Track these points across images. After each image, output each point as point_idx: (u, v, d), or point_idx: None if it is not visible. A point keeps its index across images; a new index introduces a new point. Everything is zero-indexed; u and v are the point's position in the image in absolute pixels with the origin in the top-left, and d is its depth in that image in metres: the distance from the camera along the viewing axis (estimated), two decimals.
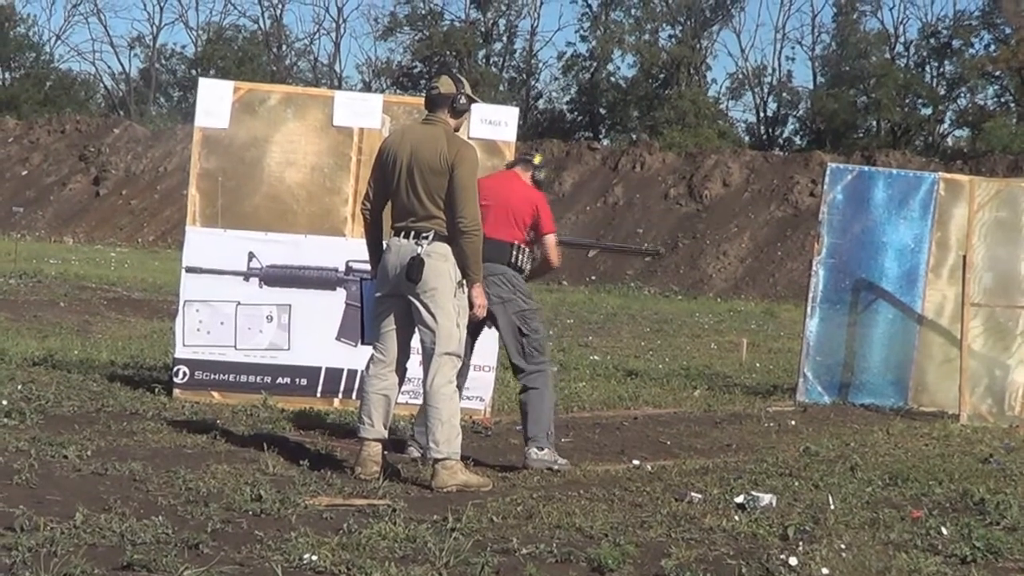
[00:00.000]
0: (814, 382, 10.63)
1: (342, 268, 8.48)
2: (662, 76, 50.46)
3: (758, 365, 13.50)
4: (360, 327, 6.63)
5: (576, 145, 38.15)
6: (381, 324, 6.27)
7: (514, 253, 6.87)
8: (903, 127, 47.30)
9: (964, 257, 10.04)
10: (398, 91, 49.04)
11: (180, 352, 8.40)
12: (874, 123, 48.56)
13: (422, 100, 6.53)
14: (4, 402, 7.22)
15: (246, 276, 8.44)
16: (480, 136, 8.39)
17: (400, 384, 6.35)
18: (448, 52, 52.50)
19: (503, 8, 55.26)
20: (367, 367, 6.34)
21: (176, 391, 8.31)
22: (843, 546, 5.05)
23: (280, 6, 75.90)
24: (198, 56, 57.96)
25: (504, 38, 56.03)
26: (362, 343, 6.63)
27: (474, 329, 6.69)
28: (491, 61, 55.38)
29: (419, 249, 6.09)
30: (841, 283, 10.81)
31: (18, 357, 9.43)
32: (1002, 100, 47.74)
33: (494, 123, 8.65)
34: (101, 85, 62.65)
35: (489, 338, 7.46)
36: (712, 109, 49.56)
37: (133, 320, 14.27)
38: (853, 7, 50.68)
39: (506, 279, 6.79)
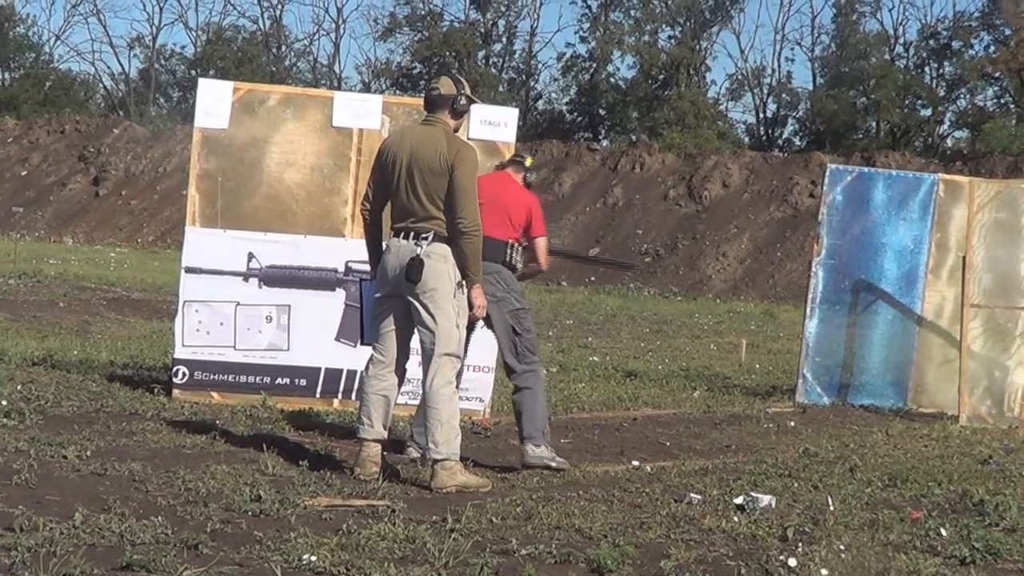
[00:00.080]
0: (813, 383, 10.62)
1: (341, 269, 8.48)
2: (662, 77, 50.47)
3: (757, 366, 13.50)
4: (359, 328, 6.63)
5: (575, 146, 38.17)
6: (381, 325, 6.27)
7: (509, 252, 6.91)
8: (903, 128, 47.31)
9: (963, 258, 10.04)
10: (397, 92, 49.01)
11: (179, 352, 8.40)
12: (874, 124, 48.57)
13: (421, 101, 6.53)
14: (3, 402, 7.22)
15: (245, 276, 8.44)
16: (479, 137, 8.39)
17: (400, 385, 6.36)
18: (447, 53, 52.51)
19: (503, 9, 55.32)
20: (366, 368, 6.34)
21: (175, 391, 8.31)
22: (842, 547, 5.05)
23: (280, 7, 75.86)
24: (198, 56, 57.97)
25: (504, 39, 56.10)
26: (361, 344, 6.64)
27: (468, 326, 6.71)
28: (490, 62, 55.39)
29: (419, 250, 6.10)
30: (840, 284, 10.81)
31: (17, 357, 9.43)
32: (1002, 101, 47.81)
33: (493, 124, 8.65)
34: (101, 85, 62.76)
35: (488, 339, 7.46)
36: (712, 110, 49.58)
37: (132, 320, 14.27)
38: (853, 8, 50.71)
39: (500, 278, 6.81)
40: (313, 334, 8.41)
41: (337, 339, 8.44)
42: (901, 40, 51.30)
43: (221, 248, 8.40)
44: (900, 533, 5.43)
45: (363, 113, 8.63)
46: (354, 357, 7.96)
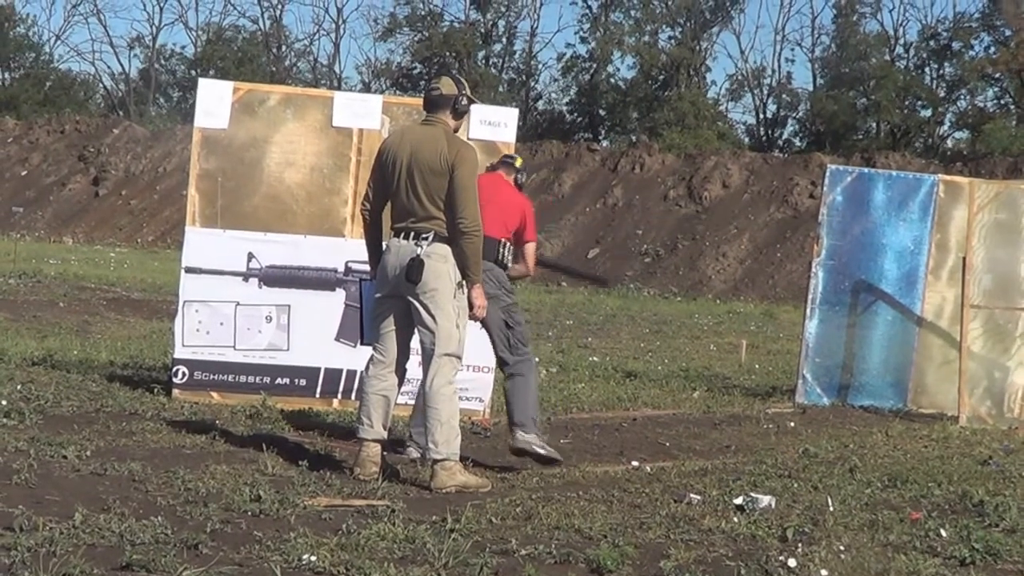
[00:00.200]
0: (813, 384, 10.62)
1: (341, 269, 8.48)
2: (662, 78, 50.46)
3: (757, 367, 13.50)
4: (359, 328, 6.63)
5: (575, 146, 38.17)
6: (381, 325, 6.27)
7: (501, 250, 6.97)
8: (903, 129, 47.30)
9: (963, 259, 10.04)
10: (397, 92, 49.01)
11: (179, 352, 8.40)
12: (874, 125, 48.56)
13: (421, 101, 6.53)
14: (3, 402, 7.22)
15: (245, 276, 8.44)
16: (479, 137, 8.39)
17: (400, 385, 6.35)
18: (447, 53, 52.50)
19: (503, 9, 55.31)
20: (367, 368, 6.34)
21: (175, 391, 8.31)
22: (842, 548, 5.05)
23: (280, 7, 75.87)
24: (198, 56, 57.96)
25: (504, 39, 56.08)
26: (361, 344, 6.64)
27: None
28: (491, 62, 55.38)
29: (419, 250, 6.10)
30: (840, 285, 10.81)
31: (17, 357, 9.43)
32: (1002, 102, 47.78)
33: (493, 124, 8.66)
34: (101, 85, 62.75)
35: (488, 340, 7.45)
36: (712, 111, 49.57)
37: (132, 320, 14.27)
38: (853, 9, 50.71)
39: (493, 275, 6.84)
40: (313, 334, 8.41)
41: (337, 339, 8.44)
42: (901, 41, 51.37)
43: (221, 248, 8.40)
44: (900, 534, 5.43)
45: (363, 113, 8.63)
46: (354, 357, 7.96)
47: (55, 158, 41.72)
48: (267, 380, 8.39)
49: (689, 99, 47.49)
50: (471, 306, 6.24)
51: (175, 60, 61.66)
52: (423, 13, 55.22)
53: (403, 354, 6.30)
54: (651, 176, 34.66)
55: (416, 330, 6.21)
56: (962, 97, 49.31)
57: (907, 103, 47.59)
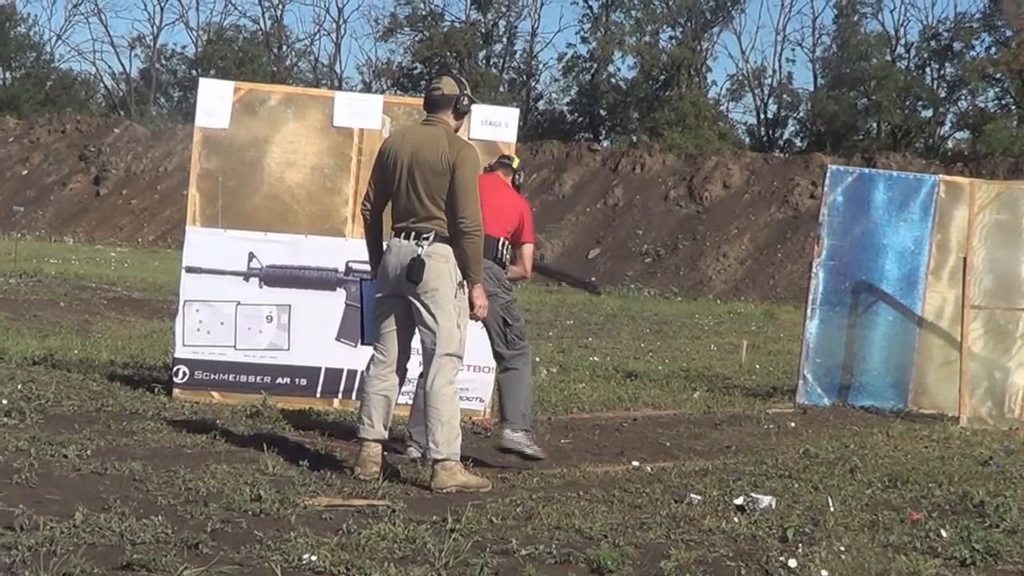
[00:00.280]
0: (814, 384, 10.62)
1: (342, 268, 8.48)
2: (662, 78, 50.46)
3: (758, 367, 13.50)
4: (360, 328, 6.63)
5: (576, 146, 38.18)
6: (381, 325, 6.27)
7: (500, 248, 6.98)
8: (903, 129, 47.30)
9: (964, 259, 10.04)
10: (398, 92, 49.02)
11: (180, 352, 8.40)
12: (874, 125, 48.57)
13: (422, 101, 6.53)
14: (4, 401, 7.22)
15: (246, 276, 8.44)
16: (480, 137, 8.39)
17: (400, 385, 6.35)
18: (448, 53, 52.50)
19: (503, 9, 55.32)
20: (367, 368, 6.34)
21: (176, 391, 8.31)
22: (842, 548, 5.05)
23: (280, 7, 75.77)
24: (198, 56, 57.98)
25: (504, 39, 56.08)
26: (362, 344, 6.64)
27: None
28: (491, 62, 55.39)
29: (420, 250, 6.10)
30: (841, 285, 10.81)
31: (18, 356, 9.43)
32: (1003, 102, 47.77)
33: (494, 124, 8.66)
34: (101, 85, 62.75)
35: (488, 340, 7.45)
36: (712, 111, 49.59)
37: (133, 320, 14.27)
38: (854, 9, 50.70)
39: (492, 273, 6.84)
40: (314, 334, 8.41)
41: (337, 339, 8.44)
42: (902, 41, 51.38)
43: (222, 248, 8.40)
44: (900, 534, 5.43)
45: (364, 113, 8.63)
46: (354, 357, 7.96)
47: (56, 158, 41.74)
48: (268, 380, 8.39)
49: (690, 99, 47.50)
50: (472, 306, 6.25)
51: (176, 60, 61.73)
52: (424, 13, 55.27)
53: (404, 354, 6.30)
54: (652, 176, 34.67)
55: (417, 330, 6.21)
56: (963, 97, 49.40)
57: (908, 103, 47.60)
